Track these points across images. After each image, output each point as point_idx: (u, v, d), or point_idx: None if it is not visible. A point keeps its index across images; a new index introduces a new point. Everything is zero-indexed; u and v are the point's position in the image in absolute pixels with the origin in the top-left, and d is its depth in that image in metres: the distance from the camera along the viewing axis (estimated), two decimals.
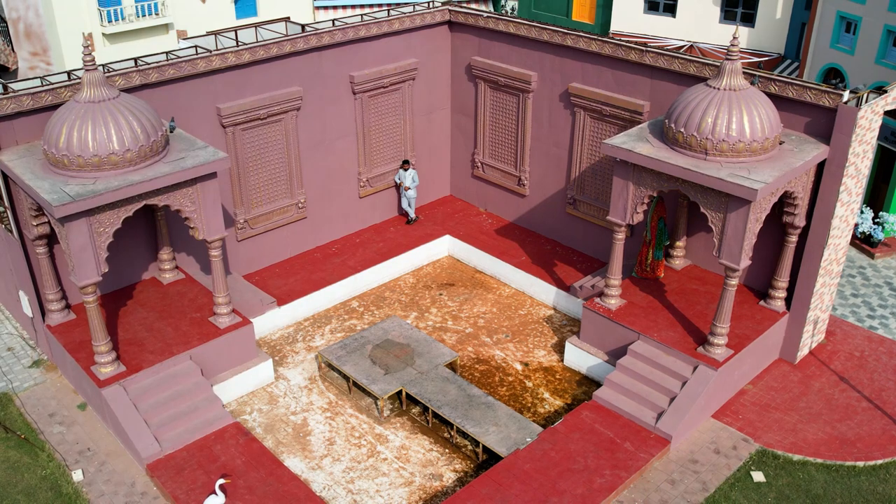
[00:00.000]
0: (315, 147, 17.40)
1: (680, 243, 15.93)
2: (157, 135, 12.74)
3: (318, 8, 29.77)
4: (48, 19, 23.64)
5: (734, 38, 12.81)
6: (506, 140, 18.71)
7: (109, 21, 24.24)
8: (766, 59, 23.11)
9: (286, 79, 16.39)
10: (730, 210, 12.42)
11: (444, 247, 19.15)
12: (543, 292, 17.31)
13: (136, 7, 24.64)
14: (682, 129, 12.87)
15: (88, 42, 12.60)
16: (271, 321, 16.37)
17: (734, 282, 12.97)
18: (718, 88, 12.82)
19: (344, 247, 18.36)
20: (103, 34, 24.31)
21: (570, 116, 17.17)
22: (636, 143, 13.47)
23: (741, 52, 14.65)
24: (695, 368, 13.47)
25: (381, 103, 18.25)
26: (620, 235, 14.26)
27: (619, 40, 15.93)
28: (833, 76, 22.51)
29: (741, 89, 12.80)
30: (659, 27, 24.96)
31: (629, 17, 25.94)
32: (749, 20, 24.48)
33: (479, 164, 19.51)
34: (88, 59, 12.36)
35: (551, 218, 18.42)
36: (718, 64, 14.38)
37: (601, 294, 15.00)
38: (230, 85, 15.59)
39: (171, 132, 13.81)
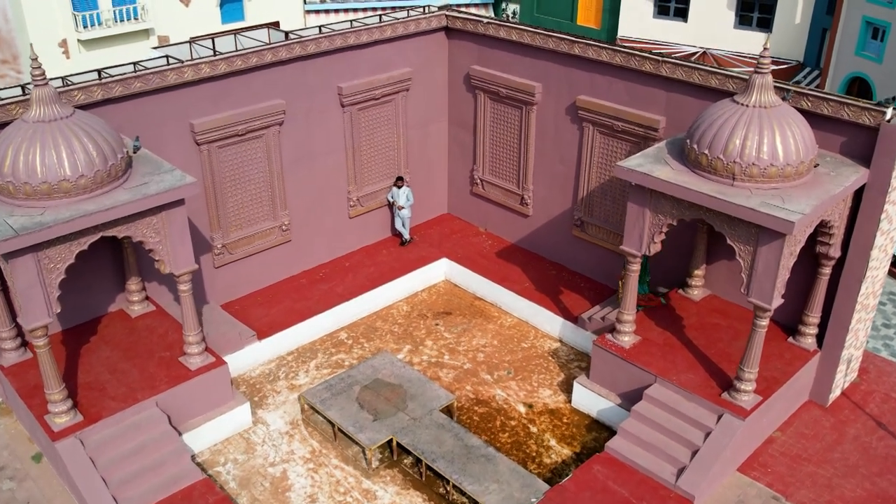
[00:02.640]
0: (300, 164, 16.00)
1: (698, 271, 14.51)
2: (117, 158, 11.34)
3: (308, 12, 28.37)
4: (18, 24, 22.25)
5: (765, 48, 11.41)
6: (507, 156, 17.32)
7: (85, 26, 22.84)
8: (784, 66, 21.71)
9: (267, 91, 14.99)
10: (761, 243, 11.01)
11: (441, 271, 17.75)
12: (548, 323, 15.90)
13: (114, 12, 23.24)
14: (707, 151, 11.47)
15: (36, 55, 11.18)
16: (251, 356, 14.96)
17: (764, 322, 11.56)
18: (747, 105, 11.42)
19: (332, 272, 16.96)
20: (79, 40, 22.92)
21: (577, 131, 15.77)
22: (653, 165, 12.07)
23: (756, 58, 13.25)
24: (719, 417, 12.05)
25: (373, 116, 16.85)
26: (635, 267, 12.85)
27: (632, 49, 14.52)
28: (858, 86, 21.13)
29: (773, 106, 11.40)
30: (669, 33, 23.58)
31: (637, 21, 24.57)
32: (766, 25, 23.09)
33: (479, 181, 18.12)
34: (37, 72, 10.97)
35: (557, 240, 17.02)
36: (745, 77, 12.99)
37: (613, 329, 13.60)
38: (205, 99, 14.18)
39: (136, 153, 12.42)
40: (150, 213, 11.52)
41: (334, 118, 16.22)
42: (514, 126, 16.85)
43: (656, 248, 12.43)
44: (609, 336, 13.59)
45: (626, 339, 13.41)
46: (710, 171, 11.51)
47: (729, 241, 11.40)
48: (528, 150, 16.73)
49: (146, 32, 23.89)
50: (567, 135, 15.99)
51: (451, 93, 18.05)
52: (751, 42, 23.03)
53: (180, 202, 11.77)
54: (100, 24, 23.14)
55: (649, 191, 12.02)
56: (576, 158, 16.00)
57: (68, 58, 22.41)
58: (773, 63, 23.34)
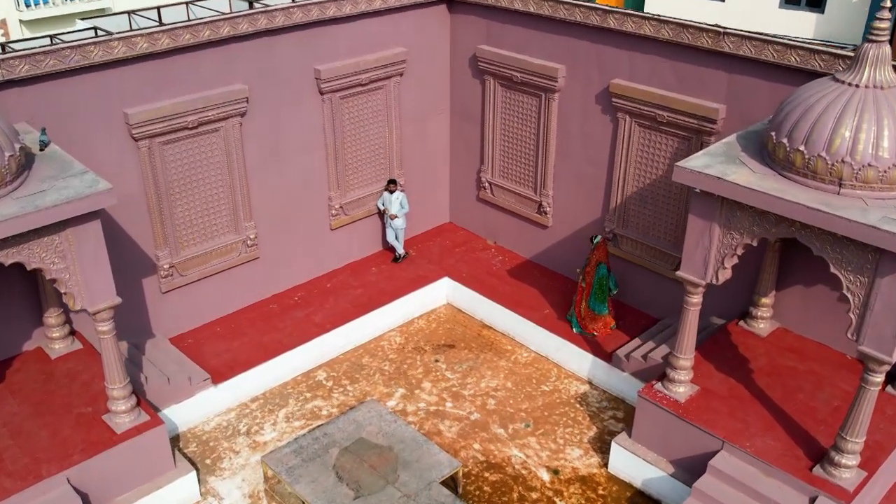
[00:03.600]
0: (268, 165, 13.01)
1: (766, 299, 11.53)
2: (4, 157, 8.36)
3: None
4: None
5: (885, 6, 8.40)
6: (522, 154, 14.32)
7: (28, 5, 19.78)
8: (840, 51, 18.66)
9: (226, 73, 12.01)
10: (881, 273, 8.04)
11: (442, 293, 14.75)
12: (575, 360, 12.92)
13: None
14: (802, 148, 8.48)
15: None
16: (204, 405, 11.97)
17: (878, 378, 8.58)
18: (856, 85, 8.44)
19: (309, 295, 13.96)
20: (21, 21, 19.90)
21: (610, 124, 12.78)
22: (725, 166, 9.09)
23: (806, 42, 10.37)
24: (812, 500, 9.08)
25: (359, 106, 13.85)
26: (696, 299, 9.87)
27: (683, 20, 11.52)
28: None
29: (891, 87, 8.43)
30: (704, 13, 20.58)
31: (667, 0, 21.64)
32: (817, 4, 20.13)
33: (487, 184, 15.12)
34: None
35: (583, 257, 14.01)
36: (834, 52, 10.03)
37: (664, 377, 10.61)
38: (143, 82, 11.20)
39: (43, 149, 9.45)
40: (50, 230, 8.55)
41: (311, 108, 13.23)
42: (531, 118, 13.86)
43: (726, 274, 9.45)
44: (658, 385, 10.61)
45: (681, 389, 10.43)
46: (808, 175, 8.53)
47: (833, 269, 8.42)
48: (547, 148, 13.74)
49: (101, 12, 20.84)
50: (597, 128, 13.00)
51: (454, 78, 15.06)
52: (799, 24, 20.05)
53: (93, 216, 8.80)
54: (45, 2, 20.07)
55: (720, 200, 9.05)
56: (607, 157, 13.01)
57: (7, 40, 19.54)
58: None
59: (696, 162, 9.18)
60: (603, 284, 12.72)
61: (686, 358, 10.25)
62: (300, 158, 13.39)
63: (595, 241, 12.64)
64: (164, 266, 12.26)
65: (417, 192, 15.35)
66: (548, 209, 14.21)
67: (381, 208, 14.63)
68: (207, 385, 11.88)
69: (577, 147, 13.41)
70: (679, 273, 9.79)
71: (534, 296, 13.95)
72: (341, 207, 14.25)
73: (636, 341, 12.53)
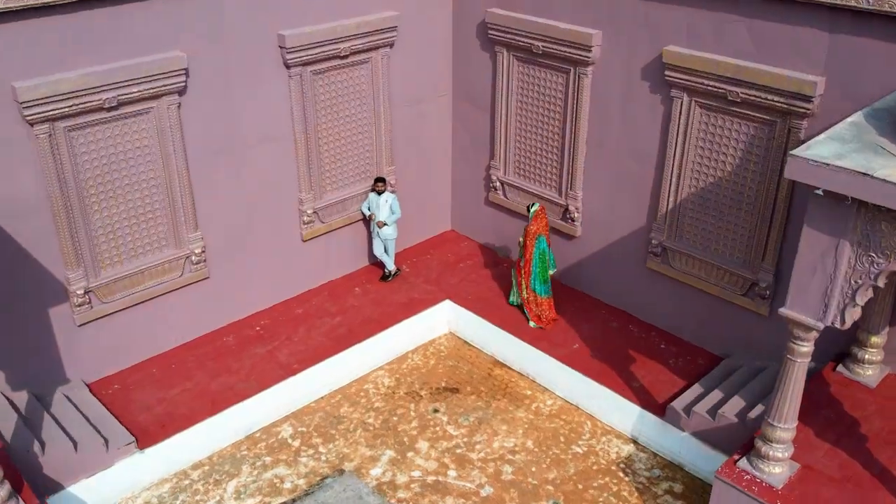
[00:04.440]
0: (219, 159, 10.09)
1: (877, 338, 8.60)
2: None
3: None
4: None
5: None
6: (544, 147, 11.38)
7: None
8: None
9: (156, 37, 9.08)
10: None
11: (443, 320, 11.81)
12: (614, 410, 9.98)
13: None
14: None
15: None
16: (126, 477, 9.03)
17: None
18: None
19: (274, 325, 11.03)
20: None
21: (661, 106, 9.86)
22: (863, 155, 6.16)
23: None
24: None
25: (336, 85, 10.93)
26: (805, 347, 6.95)
27: None
28: None
29: None
30: None
31: None
32: None
33: (499, 184, 12.19)
34: None
35: (621, 276, 11.10)
36: None
37: (751, 451, 7.67)
38: (41, 46, 8.28)
39: None
40: None
41: (274, 86, 10.31)
42: (556, 100, 10.94)
43: (855, 314, 6.54)
44: (743, 463, 7.68)
45: (778, 470, 7.50)
46: None
47: None
48: (576, 138, 10.81)
49: None
50: (643, 111, 10.08)
51: (457, 51, 12.13)
52: None
53: None
54: None
55: (856, 207, 6.12)
56: (657, 149, 10.09)
57: None
58: None
59: (822, 150, 6.24)
60: (544, 260, 10.82)
61: (787, 428, 7.31)
62: (261, 151, 10.45)
63: (532, 210, 10.76)
64: (78, 291, 9.32)
65: (412, 194, 12.40)
66: (576, 215, 11.27)
67: (367, 214, 11.71)
68: (131, 450, 8.94)
69: (616, 136, 10.47)
70: (784, 311, 6.85)
71: (559, 325, 11.02)
72: (315, 213, 11.31)
73: (696, 388, 9.59)
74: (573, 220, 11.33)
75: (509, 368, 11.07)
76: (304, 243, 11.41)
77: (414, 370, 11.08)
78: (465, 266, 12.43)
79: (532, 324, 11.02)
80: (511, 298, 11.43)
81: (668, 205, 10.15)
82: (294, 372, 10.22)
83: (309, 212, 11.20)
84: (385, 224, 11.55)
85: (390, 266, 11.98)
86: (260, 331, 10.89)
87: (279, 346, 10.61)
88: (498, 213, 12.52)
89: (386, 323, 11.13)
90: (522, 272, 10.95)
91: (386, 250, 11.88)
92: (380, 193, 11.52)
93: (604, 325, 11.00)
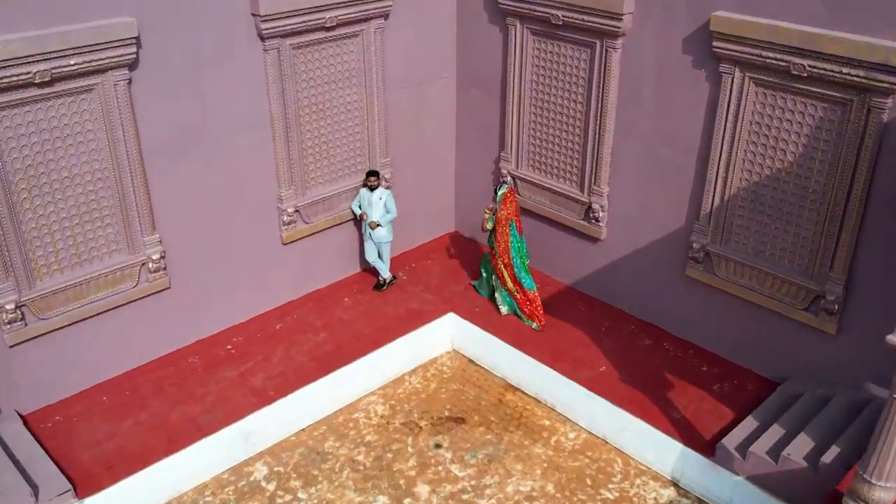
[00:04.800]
0: (180, 149, 8.50)
1: None
2: None
3: None
4: None
5: None
6: (564, 134, 9.80)
7: None
8: None
9: (100, 1, 7.51)
10: None
11: (445, 336, 10.23)
12: (650, 447, 8.39)
13: None
14: None
15: None
16: None
17: None
18: None
19: (248, 343, 9.44)
20: None
21: (706, 83, 8.28)
22: None
23: None
24: None
25: (322, 62, 9.35)
26: None
27: None
28: None
29: None
30: None
31: None
32: None
33: (510, 179, 10.60)
34: None
35: (655, 286, 9.52)
36: None
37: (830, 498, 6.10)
38: None
39: None
40: None
41: (248, 63, 8.73)
42: (579, 80, 9.35)
43: None
44: None
45: None
46: None
47: None
48: (602, 123, 9.23)
49: None
50: (683, 90, 8.50)
51: (462, 25, 10.56)
52: None
53: None
54: None
55: None
56: (701, 136, 8.52)
57: None
58: None
59: None
60: (521, 248, 9.61)
61: (889, 487, 5.72)
62: (232, 139, 8.87)
63: (501, 192, 9.49)
64: (7, 306, 7.74)
65: (410, 190, 10.81)
66: (600, 214, 9.68)
67: (358, 213, 10.13)
68: (67, 500, 7.35)
69: (650, 121, 8.89)
70: (893, 339, 5.26)
71: (581, 342, 9.43)
72: (297, 212, 9.73)
73: (749, 422, 8.01)
74: (597, 221, 9.74)
75: (524, 393, 9.48)
76: (284, 247, 9.82)
77: (412, 396, 9.49)
78: (471, 272, 10.84)
79: (535, 325, 9.65)
80: (483, 291, 10.23)
81: (713, 202, 8.57)
82: (270, 400, 8.64)
83: (290, 211, 9.61)
84: (378, 225, 9.98)
85: (385, 273, 10.40)
86: (231, 350, 9.31)
87: (253, 368, 9.03)
88: None
89: (380, 340, 9.54)
90: (501, 265, 9.61)
91: (380, 255, 10.30)
92: (372, 189, 9.94)
93: (634, 342, 9.42)
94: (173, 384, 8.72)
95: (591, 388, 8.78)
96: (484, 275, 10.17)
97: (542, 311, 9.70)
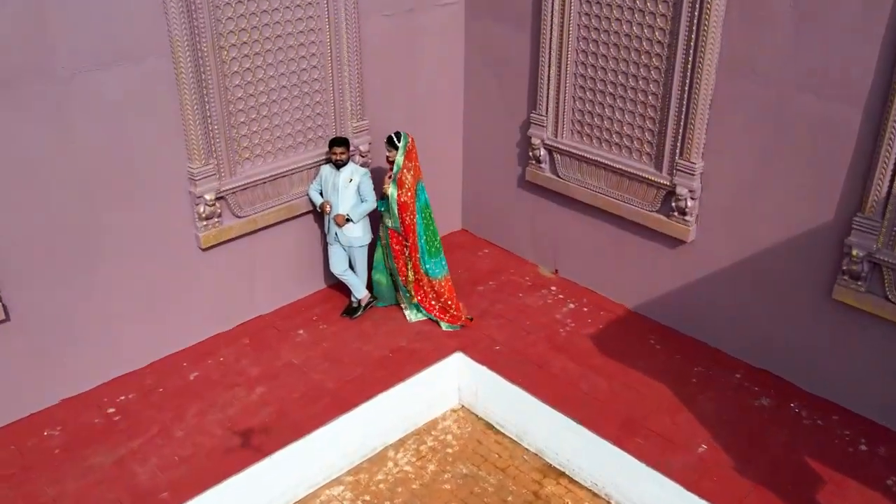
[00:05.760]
0: (12, 91, 5.09)
1: None
2: None
3: None
4: None
5: None
6: (630, 82, 6.39)
7: None
8: None
9: None
10: None
11: (449, 389, 6.79)
12: None
13: None
14: None
15: None
16: None
17: None
18: None
19: (139, 405, 6.03)
20: None
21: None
22: None
23: None
24: None
25: None
26: None
27: None
28: None
29: None
30: None
31: None
32: None
33: (543, 151, 7.20)
34: None
35: (778, 314, 6.11)
36: None
37: None
38: None
39: None
40: None
41: None
42: (653, 2, 5.98)
43: None
44: None
45: None
46: None
47: None
48: (697, 57, 5.82)
49: None
50: (835, 4, 5.13)
51: None
52: None
53: None
54: None
55: None
56: (872, 79, 5.12)
57: None
58: None
59: None
60: (430, 221, 6.79)
61: None
62: (103, 81, 5.46)
63: (405, 143, 6.54)
64: None
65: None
66: (689, 204, 6.29)
67: (318, 202, 6.74)
68: None
69: (782, 51, 5.50)
70: None
71: (664, 404, 6.05)
72: (223, 201, 6.33)
73: None
74: (683, 214, 6.35)
75: (572, 482, 6.07)
76: (203, 254, 6.42)
77: (399, 485, 6.08)
78: (487, 290, 7.46)
79: (445, 325, 6.75)
80: (384, 299, 7.20)
81: (890, 184, 5.19)
82: (184, 498, 5.25)
83: (209, 199, 6.19)
84: (349, 220, 6.60)
85: (359, 292, 7.00)
86: (114, 416, 5.91)
87: (143, 449, 5.63)
88: (541, 201, 7.54)
89: (349, 397, 6.15)
90: (406, 248, 6.65)
91: (352, 265, 6.92)
92: (339, 167, 6.56)
93: (746, 402, 6.05)
94: (11, 478, 5.33)
95: (687, 485, 5.39)
96: (382, 279, 6.95)
97: (457, 305, 6.85)
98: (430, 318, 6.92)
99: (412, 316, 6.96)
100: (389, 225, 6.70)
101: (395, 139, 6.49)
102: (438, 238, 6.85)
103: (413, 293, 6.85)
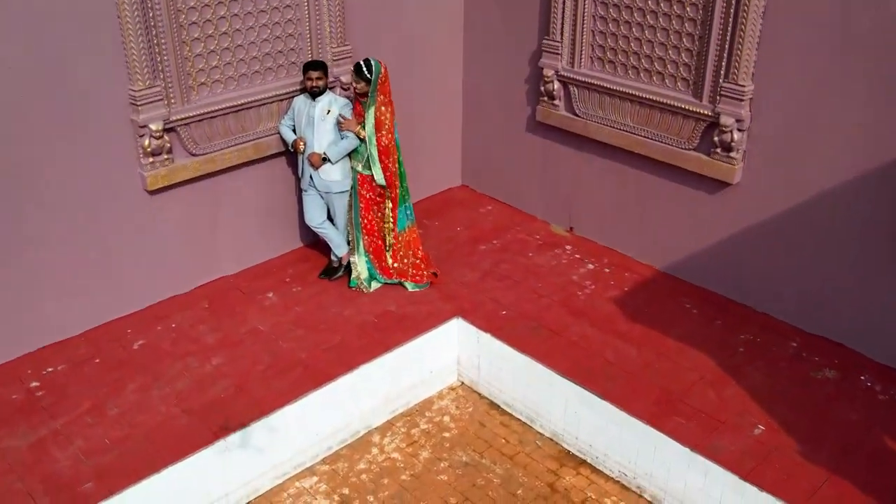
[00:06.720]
0: None
1: None
2: None
3: None
4: None
5: None
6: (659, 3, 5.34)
7: None
8: None
9: None
10: None
11: (447, 361, 5.73)
12: None
13: None
14: None
15: None
16: None
17: None
18: None
19: (70, 378, 4.95)
20: None
21: None
22: None
23: None
24: None
25: None
26: None
27: None
28: None
29: None
30: None
31: None
32: None
33: (557, 85, 6.13)
34: None
35: (844, 273, 5.05)
36: None
37: None
38: None
39: None
40: None
41: None
42: None
43: None
44: None
45: None
46: None
47: None
48: None
49: None
50: None
51: None
52: None
53: None
54: None
55: None
56: None
57: None
58: None
59: None
60: (400, 161, 5.71)
61: None
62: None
63: (377, 73, 5.38)
64: None
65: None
66: (734, 138, 5.22)
67: (291, 139, 5.67)
68: None
69: None
70: None
71: (708, 376, 4.99)
72: (173, 133, 5.25)
73: None
74: (728, 150, 5.28)
75: (595, 471, 5.01)
76: (150, 198, 5.34)
77: (384, 476, 5.01)
78: (490, 250, 6.40)
79: (411, 286, 5.80)
80: (354, 275, 5.93)
81: None
82: (99, 499, 4.18)
83: (155, 128, 5.11)
84: (326, 160, 5.54)
85: (340, 249, 5.92)
86: (36, 391, 4.84)
87: (68, 427, 4.57)
88: (553, 146, 6.47)
89: (326, 369, 5.08)
90: (388, 208, 5.65)
91: (331, 216, 5.85)
92: (316, 96, 5.49)
93: (804, 374, 4.99)
94: None
95: (743, 474, 4.33)
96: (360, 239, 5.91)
97: (424, 254, 5.90)
98: (388, 283, 5.84)
99: (367, 278, 5.85)
100: (360, 170, 5.61)
101: (363, 68, 5.38)
102: (406, 181, 5.79)
103: (385, 250, 5.77)
